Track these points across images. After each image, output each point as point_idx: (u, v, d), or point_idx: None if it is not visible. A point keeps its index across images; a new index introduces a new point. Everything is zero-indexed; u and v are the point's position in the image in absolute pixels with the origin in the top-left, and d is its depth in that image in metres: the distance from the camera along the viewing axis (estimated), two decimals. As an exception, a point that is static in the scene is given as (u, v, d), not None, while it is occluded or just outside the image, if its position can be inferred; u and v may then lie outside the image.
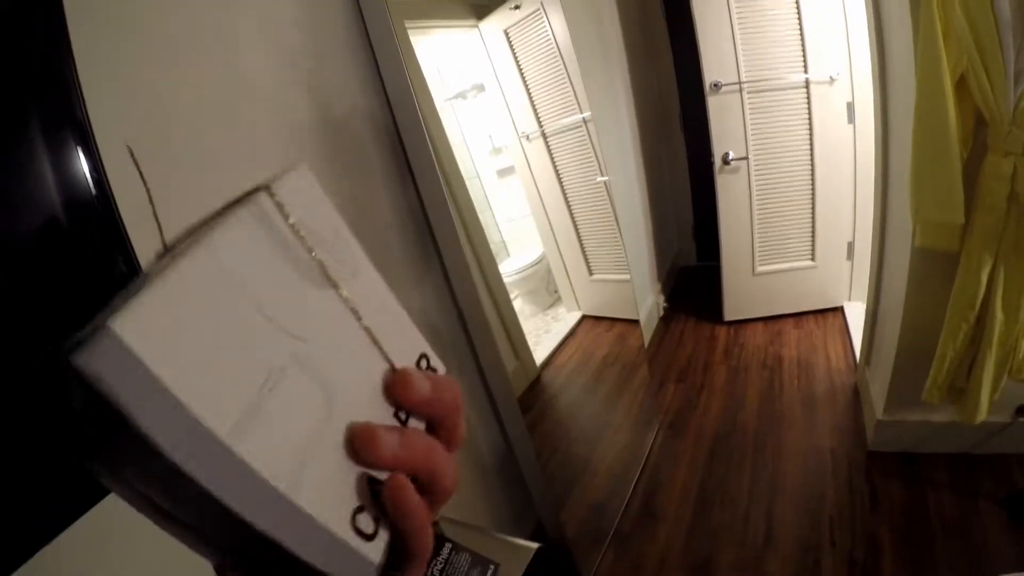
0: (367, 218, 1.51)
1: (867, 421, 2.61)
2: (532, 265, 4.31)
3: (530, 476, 1.99)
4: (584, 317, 4.10)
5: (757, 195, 3.40)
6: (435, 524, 0.80)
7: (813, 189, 3.27)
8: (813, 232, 3.37)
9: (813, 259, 3.43)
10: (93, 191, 0.67)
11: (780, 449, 2.69)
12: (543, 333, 4.11)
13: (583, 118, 3.08)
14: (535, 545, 1.21)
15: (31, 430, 0.53)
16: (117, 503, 0.31)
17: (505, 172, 4.58)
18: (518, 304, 4.34)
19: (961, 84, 1.71)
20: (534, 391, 3.09)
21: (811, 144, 3.19)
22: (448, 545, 1.09)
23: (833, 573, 2.10)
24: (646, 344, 3.52)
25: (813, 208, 3.31)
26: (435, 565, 1.05)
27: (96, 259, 0.68)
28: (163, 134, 1.01)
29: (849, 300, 3.52)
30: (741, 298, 3.72)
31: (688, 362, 3.54)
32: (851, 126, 3.10)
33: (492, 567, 1.11)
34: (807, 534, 2.26)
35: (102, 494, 0.65)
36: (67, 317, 0.60)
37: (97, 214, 0.68)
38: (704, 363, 3.49)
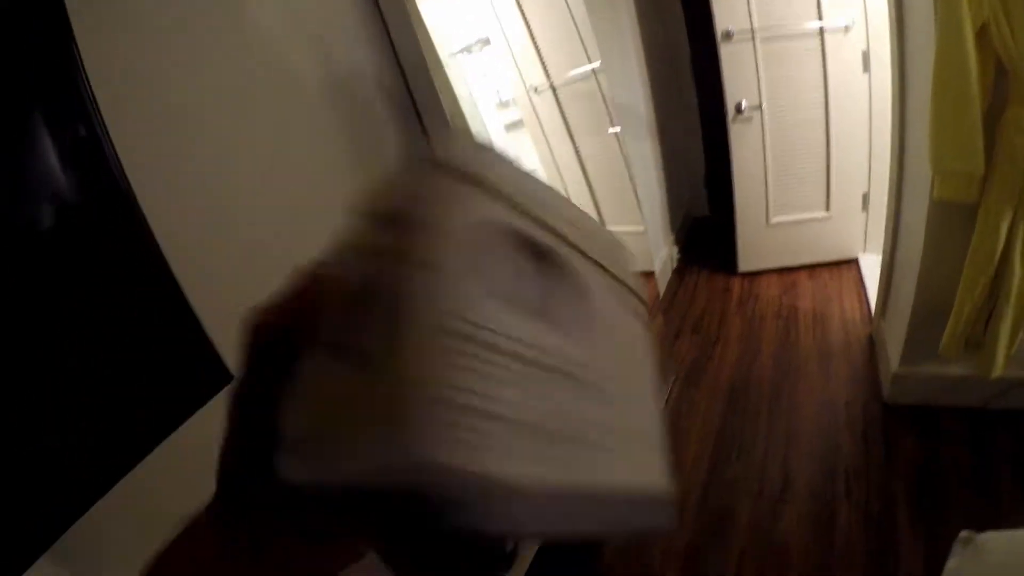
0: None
1: (883, 373, 2.61)
2: (542, 218, 4.29)
3: None
4: (595, 267, 4.11)
5: (771, 145, 3.36)
6: None
7: (828, 139, 3.24)
8: (828, 182, 3.34)
9: (828, 209, 3.41)
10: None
11: (795, 400, 2.71)
12: (553, 285, 4.12)
13: (592, 69, 3.03)
14: None
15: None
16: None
17: (513, 126, 4.54)
18: (529, 259, 4.34)
19: (982, 34, 1.67)
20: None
21: (826, 93, 3.14)
22: None
23: (849, 525, 2.13)
24: (660, 295, 3.53)
25: (828, 158, 3.28)
26: None
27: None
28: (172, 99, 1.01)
29: (864, 252, 3.49)
30: (755, 249, 3.70)
31: (703, 313, 3.55)
32: (866, 75, 3.05)
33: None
34: (823, 486, 2.29)
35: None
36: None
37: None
38: (719, 314, 3.49)
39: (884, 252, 2.63)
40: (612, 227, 3.68)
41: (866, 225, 3.41)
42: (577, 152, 3.62)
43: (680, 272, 4.07)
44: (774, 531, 2.20)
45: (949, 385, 2.35)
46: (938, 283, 2.13)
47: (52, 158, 0.60)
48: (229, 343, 0.76)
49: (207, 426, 0.82)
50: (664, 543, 2.28)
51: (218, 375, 0.72)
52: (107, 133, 0.67)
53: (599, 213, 3.73)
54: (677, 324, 3.51)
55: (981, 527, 1.96)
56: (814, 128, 3.25)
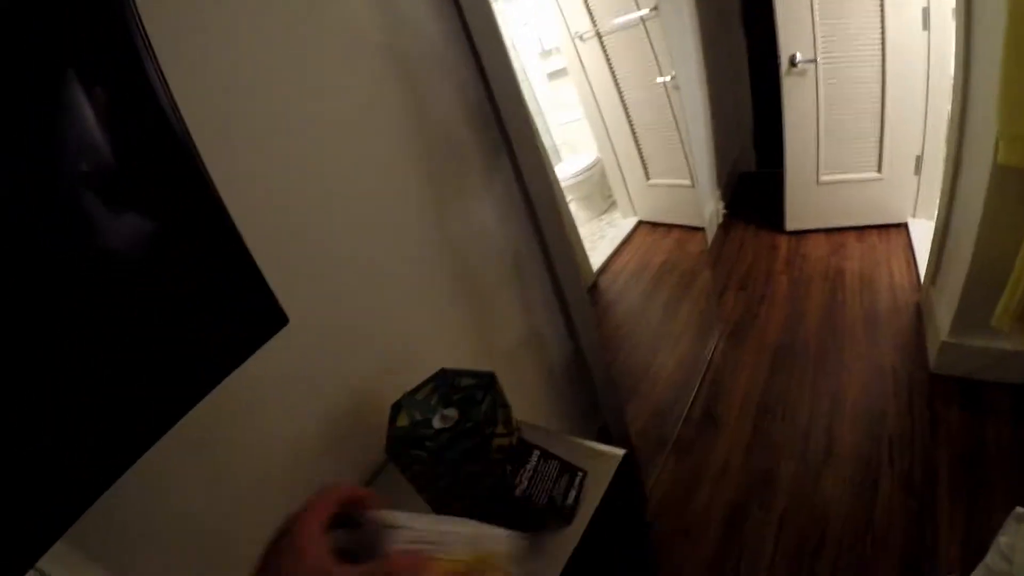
0: (432, 115, 1.52)
1: (930, 342, 2.59)
2: (586, 170, 4.29)
3: (599, 379, 2.02)
4: (640, 223, 4.11)
5: (824, 100, 3.30)
6: (518, 430, 1.10)
7: (883, 97, 3.17)
8: (881, 143, 3.28)
9: (879, 171, 3.36)
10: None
11: (841, 364, 2.71)
12: (598, 239, 4.13)
13: (640, 16, 2.98)
14: (621, 452, 1.25)
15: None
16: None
17: (556, 75, 4.52)
18: (572, 209, 4.36)
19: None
20: (591, 297, 3.14)
21: (883, 50, 3.06)
22: (536, 452, 1.13)
23: (890, 493, 2.14)
24: (707, 249, 3.53)
25: (882, 117, 3.21)
26: (524, 473, 1.08)
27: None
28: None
29: (914, 216, 3.44)
30: (804, 208, 3.67)
31: (749, 271, 3.54)
32: (925, 33, 2.96)
33: (580, 474, 1.16)
34: (866, 453, 2.30)
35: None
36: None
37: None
38: (765, 272, 3.49)
39: (938, 217, 2.59)
40: (656, 180, 3.67)
41: (918, 189, 3.35)
42: (623, 102, 3.59)
43: (726, 227, 4.05)
44: (815, 494, 2.23)
45: (997, 359, 2.33)
46: (995, 253, 2.09)
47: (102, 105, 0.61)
48: (282, 288, 0.83)
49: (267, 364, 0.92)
50: (707, 499, 2.33)
51: (274, 318, 0.78)
52: (164, 81, 0.68)
53: (644, 166, 3.71)
54: (723, 280, 3.51)
55: (1021, 499, 1.99)
56: (869, 86, 3.18)
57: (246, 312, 0.75)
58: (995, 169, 1.96)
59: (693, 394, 2.79)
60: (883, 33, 3.01)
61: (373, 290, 1.37)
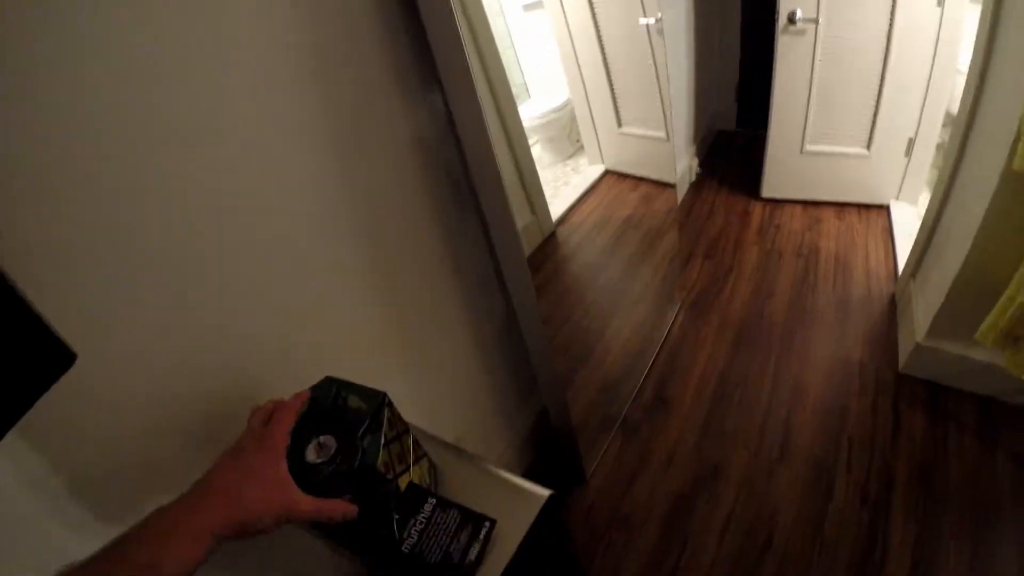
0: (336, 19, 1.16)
1: (903, 341, 2.45)
2: (556, 110, 4.03)
3: (535, 351, 1.80)
4: (607, 172, 3.88)
5: (820, 65, 3.08)
6: (417, 461, 0.99)
7: (884, 70, 2.96)
8: (874, 118, 3.08)
9: (868, 148, 3.17)
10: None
11: (807, 351, 2.56)
12: (561, 185, 3.89)
13: (627, -52, 2.73)
14: (546, 493, 1.05)
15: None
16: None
17: (533, 6, 4.21)
18: (536, 151, 4.10)
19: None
20: (547, 249, 2.94)
21: (891, 20, 2.84)
22: (432, 501, 0.96)
23: (844, 501, 2.03)
24: (676, 209, 3.32)
25: (880, 91, 3.01)
26: (414, 524, 0.92)
27: None
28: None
29: (897, 199, 3.28)
30: (784, 176, 3.47)
31: (718, 237, 3.36)
32: (939, 9, 2.74)
33: (487, 525, 0.95)
34: (824, 453, 2.18)
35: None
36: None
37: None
38: (735, 240, 3.31)
39: (929, 209, 2.42)
40: (628, 129, 3.44)
41: (905, 172, 3.17)
42: (600, 42, 3.34)
43: (698, 187, 3.85)
44: (767, 492, 2.11)
45: (971, 369, 2.20)
46: (992, 261, 1.93)
47: None
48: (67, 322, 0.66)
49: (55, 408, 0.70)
50: (651, 487, 2.18)
51: (58, 356, 0.65)
52: None
53: (617, 112, 3.48)
54: (690, 245, 3.32)
55: (976, 525, 1.88)
56: (871, 55, 2.97)
57: (23, 356, 0.62)
58: (1007, 173, 1.77)
59: (646, 370, 2.63)
60: (894, 2, 2.78)
61: (235, 264, 1.04)
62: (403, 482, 0.95)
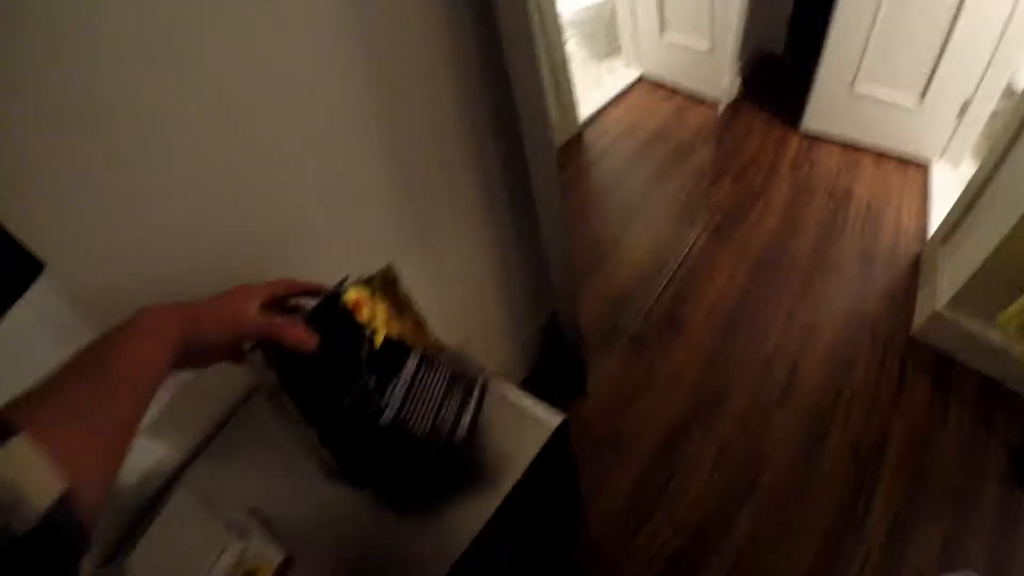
0: None
1: (920, 305, 2.40)
2: (596, 6, 3.84)
3: (553, 246, 1.72)
4: (642, 78, 3.73)
5: (888, 2, 2.92)
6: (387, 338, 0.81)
7: (954, 21, 2.79)
8: (934, 70, 2.92)
9: (921, 100, 3.03)
10: None
11: (824, 296, 2.52)
12: (593, 86, 3.75)
13: None
14: (558, 419, 1.00)
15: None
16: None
17: None
18: (571, 46, 3.92)
19: None
20: (571, 149, 2.85)
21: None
22: (415, 357, 0.82)
23: (836, 454, 2.05)
24: (713, 127, 3.21)
25: (945, 43, 2.84)
26: (393, 389, 0.78)
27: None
28: None
29: (940, 159, 3.17)
30: (828, 112, 3.33)
31: (750, 162, 3.25)
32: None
33: (480, 384, 0.87)
34: (824, 402, 2.18)
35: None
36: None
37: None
38: (768, 168, 3.21)
39: (975, 177, 2.32)
40: (674, 36, 3.29)
41: (953, 134, 3.05)
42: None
43: (736, 107, 3.71)
44: (762, 432, 2.11)
45: (982, 348, 2.17)
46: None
47: None
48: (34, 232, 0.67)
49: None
50: (650, 409, 2.18)
51: (24, 271, 0.67)
52: None
53: (661, 16, 3.31)
54: (720, 165, 3.22)
55: (958, 501, 1.90)
56: (945, 1, 2.81)
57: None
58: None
59: (661, 288, 2.58)
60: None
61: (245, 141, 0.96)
62: (378, 339, 0.79)
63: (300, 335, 0.71)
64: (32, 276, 0.64)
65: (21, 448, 0.41)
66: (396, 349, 0.80)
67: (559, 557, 1.80)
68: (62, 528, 0.41)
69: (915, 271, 2.58)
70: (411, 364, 0.80)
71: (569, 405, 2.17)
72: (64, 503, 0.42)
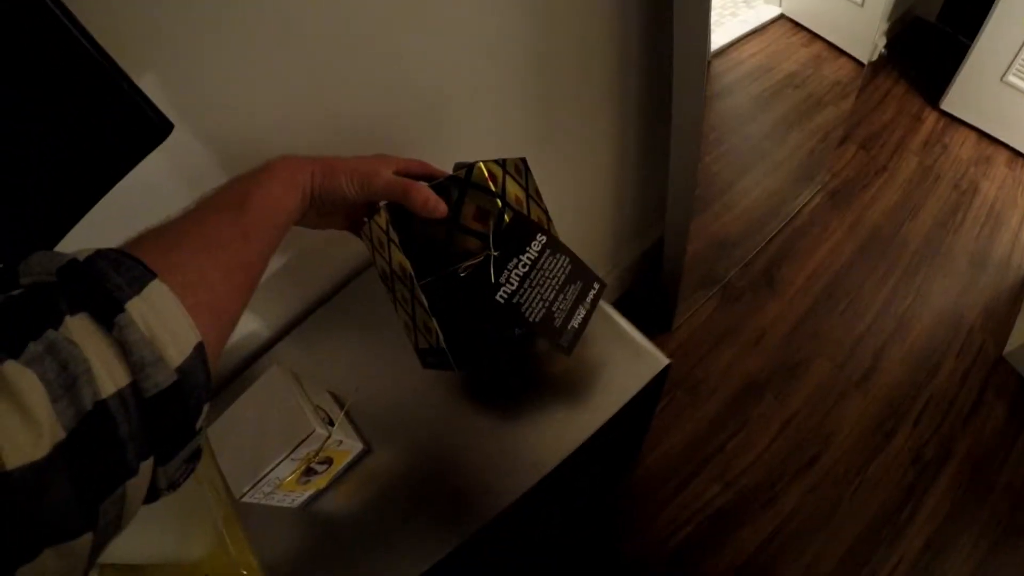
0: None
1: (1019, 325, 2.31)
2: (743, -71, 3.62)
3: (679, 175, 1.73)
4: (782, 16, 3.54)
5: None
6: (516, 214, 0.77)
7: None
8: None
9: (1082, 108, 2.86)
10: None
11: (926, 289, 2.44)
12: (728, 15, 3.56)
13: None
14: (664, 361, 1.00)
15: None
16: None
17: None
18: (708, -36, 3.70)
19: None
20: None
21: None
22: (541, 239, 0.77)
23: (897, 453, 2.03)
24: (852, 83, 3.06)
25: None
26: (515, 267, 0.74)
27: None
28: None
29: (1082, 175, 3.00)
30: (972, 95, 3.15)
31: (881, 131, 3.11)
32: None
33: (595, 287, 0.83)
34: (900, 398, 2.15)
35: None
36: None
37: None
38: (897, 142, 3.06)
39: None
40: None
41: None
42: None
43: (876, 69, 3.52)
44: (832, 412, 2.10)
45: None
46: None
47: None
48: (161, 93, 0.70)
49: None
50: (728, 363, 2.16)
51: (154, 131, 0.64)
52: None
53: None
54: (849, 127, 3.08)
55: (1002, 535, 1.88)
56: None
57: (115, 131, 0.60)
58: None
59: (765, 241, 2.52)
60: None
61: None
62: (507, 215, 0.75)
63: (431, 197, 0.71)
64: (159, 137, 0.62)
65: (159, 295, 0.41)
66: (524, 228, 0.76)
67: (600, 494, 1.84)
68: (193, 380, 0.42)
69: (1022, 289, 2.48)
70: (536, 246, 0.76)
71: (654, 337, 2.16)
72: (198, 352, 0.42)
